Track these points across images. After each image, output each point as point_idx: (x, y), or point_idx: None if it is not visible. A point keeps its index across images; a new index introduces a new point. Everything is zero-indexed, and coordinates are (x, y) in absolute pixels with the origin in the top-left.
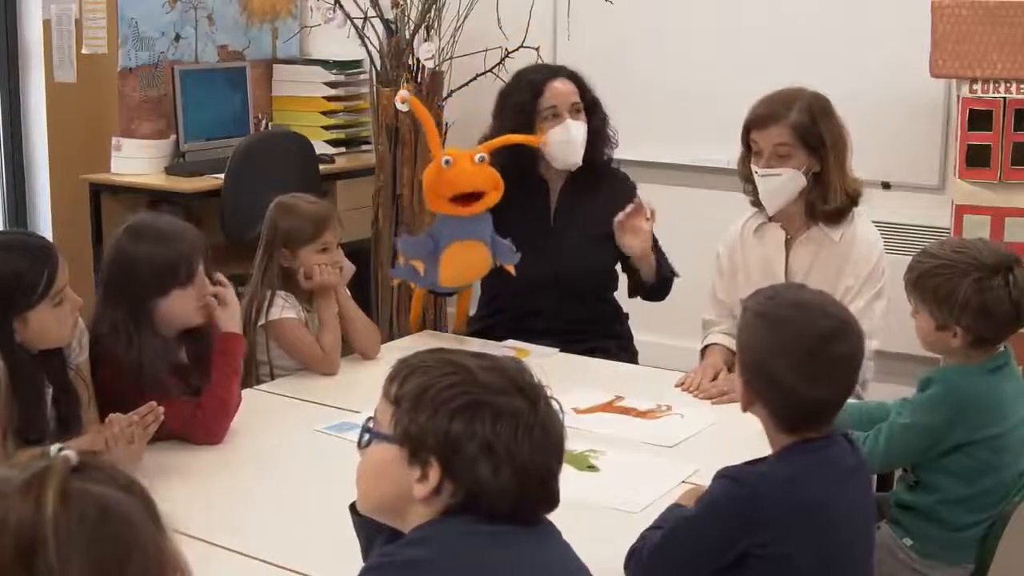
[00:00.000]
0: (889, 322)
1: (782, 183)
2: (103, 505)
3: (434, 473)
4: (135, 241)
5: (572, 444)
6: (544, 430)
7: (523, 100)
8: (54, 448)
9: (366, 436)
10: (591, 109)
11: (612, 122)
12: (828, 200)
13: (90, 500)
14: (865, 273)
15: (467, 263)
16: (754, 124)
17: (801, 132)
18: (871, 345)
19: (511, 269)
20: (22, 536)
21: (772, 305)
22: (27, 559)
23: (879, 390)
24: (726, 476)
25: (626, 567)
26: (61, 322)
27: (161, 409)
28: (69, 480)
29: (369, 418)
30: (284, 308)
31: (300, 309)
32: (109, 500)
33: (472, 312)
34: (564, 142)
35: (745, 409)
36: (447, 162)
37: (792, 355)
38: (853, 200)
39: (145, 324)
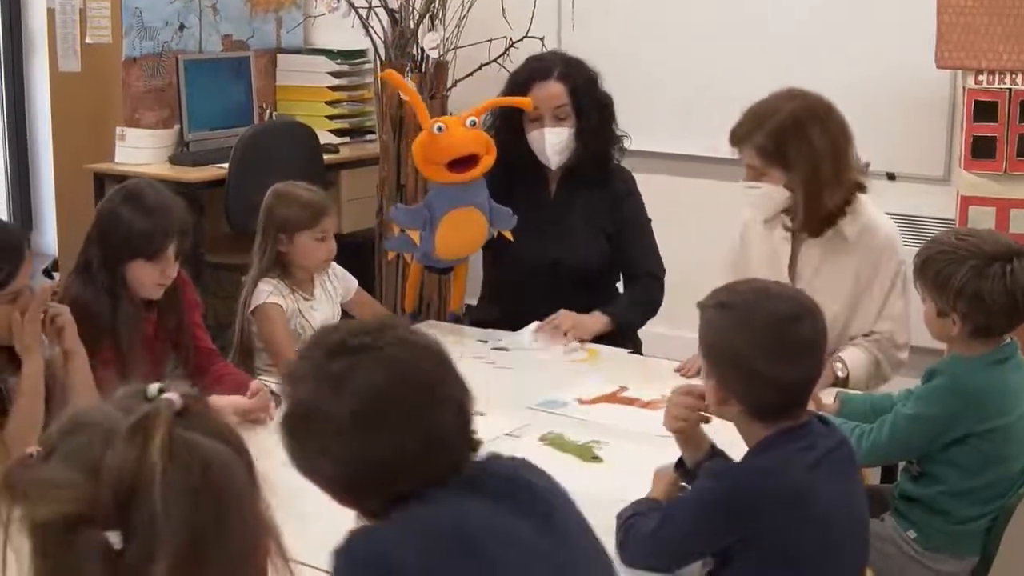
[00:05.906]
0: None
1: (762, 196)
2: (207, 457)
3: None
4: (124, 203)
5: (576, 435)
6: (408, 354)
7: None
8: (153, 388)
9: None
10: (586, 109)
11: (618, 114)
12: (818, 210)
13: (196, 451)
14: (891, 272)
15: (465, 230)
16: (730, 141)
17: (766, 154)
18: (900, 356)
19: (509, 235)
20: (123, 483)
21: (733, 296)
22: (125, 507)
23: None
24: (708, 474)
25: (621, 557)
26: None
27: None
28: (175, 427)
29: None
30: (270, 295)
31: (291, 297)
32: (213, 452)
33: (475, 300)
34: (539, 149)
35: (719, 406)
36: (439, 128)
37: (762, 338)
38: (841, 208)
39: (117, 279)
